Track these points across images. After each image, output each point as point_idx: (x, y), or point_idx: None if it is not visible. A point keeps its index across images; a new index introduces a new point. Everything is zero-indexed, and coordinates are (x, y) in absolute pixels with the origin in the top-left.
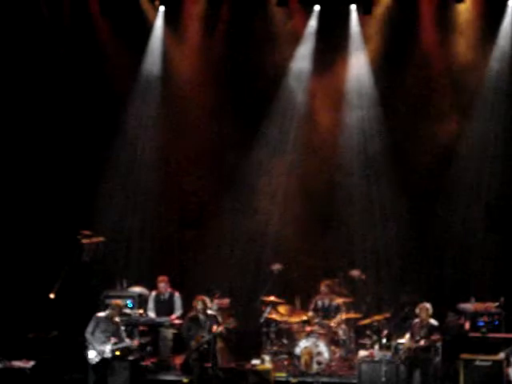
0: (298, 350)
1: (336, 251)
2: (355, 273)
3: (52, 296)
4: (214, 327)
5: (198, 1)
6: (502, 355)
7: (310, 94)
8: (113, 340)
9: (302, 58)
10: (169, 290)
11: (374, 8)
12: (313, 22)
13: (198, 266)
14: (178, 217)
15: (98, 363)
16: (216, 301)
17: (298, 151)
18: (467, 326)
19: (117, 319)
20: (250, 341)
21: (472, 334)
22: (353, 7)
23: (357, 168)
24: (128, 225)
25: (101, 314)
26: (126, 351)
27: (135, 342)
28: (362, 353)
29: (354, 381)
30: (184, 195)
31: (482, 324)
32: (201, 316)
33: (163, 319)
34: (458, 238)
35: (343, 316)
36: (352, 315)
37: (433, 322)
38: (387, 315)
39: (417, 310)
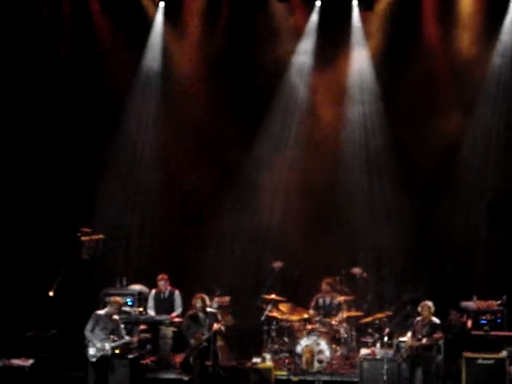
0: (299, 349)
1: (337, 249)
2: (357, 270)
3: (51, 294)
4: (214, 325)
5: None
6: (504, 353)
7: (311, 89)
8: (112, 338)
9: (304, 53)
10: (169, 288)
11: (375, 4)
12: (314, 18)
13: (199, 264)
14: (178, 215)
15: (97, 360)
16: (216, 299)
17: (300, 147)
18: (469, 324)
19: (116, 317)
20: (251, 339)
21: (474, 332)
22: (354, 3)
23: (358, 164)
24: (128, 222)
25: (100, 312)
26: (126, 348)
27: (135, 339)
28: (364, 351)
29: (356, 379)
30: (184, 193)
31: (484, 322)
32: (200, 314)
33: (163, 317)
34: (461, 236)
35: (344, 314)
36: (353, 313)
37: (435, 320)
38: (389, 313)
39: (419, 308)
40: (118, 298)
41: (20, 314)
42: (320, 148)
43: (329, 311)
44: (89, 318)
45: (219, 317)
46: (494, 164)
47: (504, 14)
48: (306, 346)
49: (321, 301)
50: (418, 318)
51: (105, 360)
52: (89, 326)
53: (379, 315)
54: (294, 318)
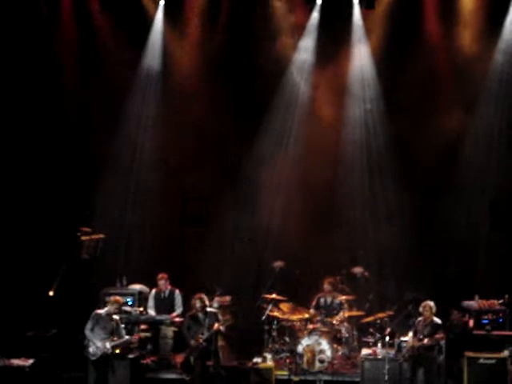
0: (300, 348)
1: (338, 248)
2: (358, 270)
3: (51, 294)
4: (215, 325)
5: None
6: (506, 353)
7: (312, 87)
8: (112, 338)
9: (304, 51)
10: (169, 287)
11: (376, 2)
12: (315, 16)
13: (199, 263)
14: (178, 214)
15: (98, 359)
16: (217, 298)
17: (300, 146)
18: (471, 323)
19: (116, 316)
20: (252, 339)
21: (476, 332)
22: (355, 0)
23: (359, 162)
24: (128, 222)
25: (100, 311)
26: (127, 348)
27: (135, 337)
28: (365, 351)
29: (357, 379)
30: (184, 193)
31: (486, 322)
32: (200, 314)
33: (163, 317)
34: (462, 235)
35: (346, 314)
36: (354, 313)
37: (436, 320)
38: (390, 313)
39: (420, 308)
40: (118, 298)
41: (20, 314)
42: (320, 147)
43: (330, 311)
44: (89, 317)
45: (220, 317)
46: (495, 162)
47: (506, 11)
48: (307, 345)
49: (322, 300)
50: (420, 318)
51: (105, 359)
52: (89, 326)
53: (381, 315)
54: (295, 317)
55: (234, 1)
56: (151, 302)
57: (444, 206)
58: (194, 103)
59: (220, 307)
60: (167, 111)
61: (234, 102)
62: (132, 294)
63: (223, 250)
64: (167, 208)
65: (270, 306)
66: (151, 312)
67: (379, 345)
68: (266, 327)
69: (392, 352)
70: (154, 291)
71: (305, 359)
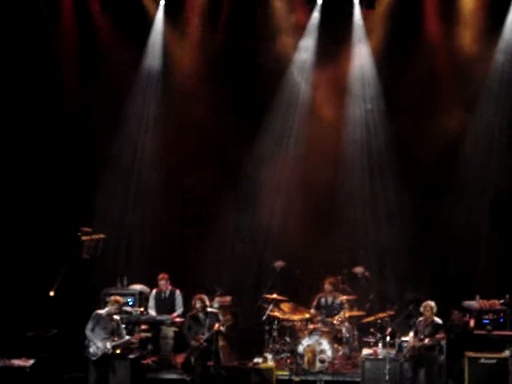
0: (300, 348)
1: (339, 248)
2: (359, 270)
3: (52, 294)
4: (215, 325)
5: None
6: (507, 353)
7: (312, 87)
8: (113, 338)
9: (305, 51)
10: (169, 287)
11: (376, 2)
12: (315, 15)
13: (199, 263)
14: (178, 214)
15: (98, 359)
16: (217, 299)
17: (301, 145)
18: (472, 323)
19: (117, 317)
20: (253, 339)
21: (477, 332)
22: (356, 0)
23: (360, 162)
24: (128, 222)
25: (101, 312)
26: (127, 348)
27: (136, 337)
28: (366, 351)
29: (358, 379)
30: (184, 193)
31: (487, 322)
32: (200, 314)
33: (164, 317)
34: (463, 234)
35: (346, 313)
36: (355, 313)
37: (437, 320)
38: (391, 313)
39: (421, 308)
40: (118, 298)
41: (20, 314)
42: (321, 146)
43: (331, 311)
44: (89, 318)
45: (220, 317)
46: (496, 161)
47: (506, 10)
48: (308, 345)
49: (323, 300)
50: (421, 318)
51: (106, 359)
52: (89, 326)
53: (381, 315)
54: (296, 317)
55: (235, 0)
56: (152, 303)
57: (444, 206)
58: (194, 103)
59: (220, 307)
60: (168, 111)
61: (234, 101)
62: (132, 294)
63: (224, 250)
64: (167, 208)
65: (270, 306)
66: (152, 312)
67: (380, 345)
68: (267, 327)
69: (393, 352)
70: (154, 291)
71: (305, 359)
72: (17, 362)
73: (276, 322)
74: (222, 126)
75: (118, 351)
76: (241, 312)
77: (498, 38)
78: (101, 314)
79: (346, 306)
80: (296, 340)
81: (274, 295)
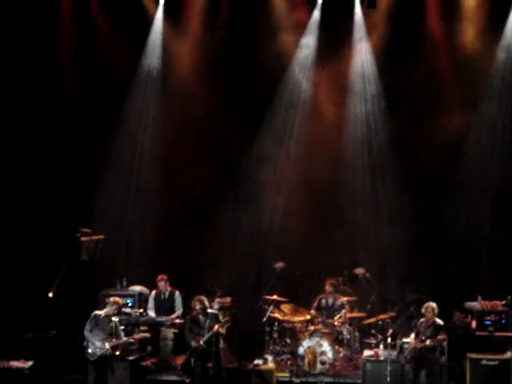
0: (301, 350)
1: (339, 249)
2: (360, 271)
3: (51, 295)
4: (215, 326)
5: None
6: (508, 354)
7: (313, 86)
8: (111, 339)
9: (306, 49)
10: (169, 288)
11: (378, 1)
12: (316, 14)
13: (199, 264)
14: (178, 215)
15: (97, 360)
16: (217, 300)
17: (302, 143)
18: (474, 324)
19: (115, 318)
20: (253, 340)
21: (479, 333)
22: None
23: (361, 161)
24: (128, 223)
25: (99, 313)
26: (127, 350)
27: (135, 337)
28: (367, 352)
29: (359, 381)
30: (184, 193)
31: (488, 323)
32: (200, 316)
33: (163, 318)
34: (464, 235)
35: (346, 314)
36: (356, 314)
37: (439, 321)
38: (392, 314)
39: (422, 309)
40: (117, 299)
41: (19, 316)
42: (322, 144)
43: (331, 312)
44: (88, 319)
45: (221, 318)
46: (498, 161)
47: (508, 8)
48: (309, 347)
49: (323, 301)
50: (422, 319)
51: (104, 359)
52: (88, 327)
53: (382, 316)
54: (296, 318)
55: None
56: (151, 304)
57: (445, 206)
58: (194, 102)
59: (220, 308)
60: (167, 111)
61: (234, 101)
62: (132, 296)
63: (224, 250)
64: (167, 208)
65: (270, 308)
66: (151, 313)
67: (381, 346)
68: (267, 329)
69: (394, 353)
70: (153, 292)
71: (306, 361)
72: (15, 364)
73: (276, 324)
74: (222, 124)
75: (117, 353)
76: (241, 313)
77: (500, 35)
78: (99, 315)
79: (347, 307)
80: (296, 341)
81: (275, 296)
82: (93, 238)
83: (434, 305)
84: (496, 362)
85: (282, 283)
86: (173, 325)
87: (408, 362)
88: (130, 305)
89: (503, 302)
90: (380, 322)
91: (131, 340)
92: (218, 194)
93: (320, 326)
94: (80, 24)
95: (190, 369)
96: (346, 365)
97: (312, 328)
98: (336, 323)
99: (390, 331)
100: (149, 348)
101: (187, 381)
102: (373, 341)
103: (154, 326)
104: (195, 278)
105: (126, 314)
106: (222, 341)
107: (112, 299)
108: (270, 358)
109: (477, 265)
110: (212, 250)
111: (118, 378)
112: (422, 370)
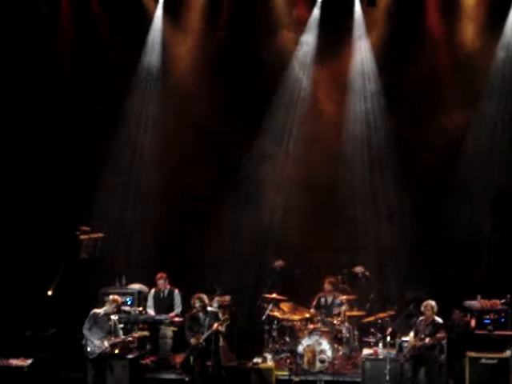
0: (300, 348)
1: (339, 247)
2: (359, 269)
3: (50, 293)
4: (215, 324)
5: None
6: (508, 353)
7: (313, 84)
8: (109, 338)
9: (306, 46)
10: (168, 287)
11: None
12: (316, 12)
13: (199, 263)
14: (178, 214)
15: (96, 358)
16: (217, 298)
17: (302, 142)
18: (473, 323)
19: (114, 316)
20: (252, 339)
21: (478, 332)
22: None
23: (361, 160)
24: (128, 222)
25: (98, 311)
26: (126, 348)
27: (134, 335)
28: (366, 351)
29: (358, 379)
30: (184, 192)
31: (488, 321)
32: (200, 314)
33: (163, 317)
34: (464, 234)
35: (345, 312)
36: (355, 313)
37: (438, 319)
38: (391, 313)
39: (422, 308)
40: (116, 297)
41: (19, 314)
42: (322, 142)
43: (331, 311)
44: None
45: (220, 316)
46: (498, 159)
47: (508, 5)
48: (308, 345)
49: (323, 300)
50: (421, 318)
51: (103, 358)
52: (87, 325)
53: (382, 314)
54: (296, 317)
55: None
56: (150, 302)
57: (445, 205)
58: (194, 101)
59: (220, 307)
60: (167, 110)
61: (234, 99)
62: (131, 294)
63: (223, 249)
64: (167, 208)
65: (270, 306)
66: (150, 312)
67: (380, 345)
68: (267, 327)
69: (393, 352)
70: (153, 291)
71: (305, 359)
72: (15, 362)
73: (276, 322)
74: (222, 123)
75: (116, 351)
76: (240, 311)
77: (499, 33)
78: (98, 314)
79: (346, 305)
80: (296, 340)
81: (274, 295)
82: (92, 236)
83: (433, 303)
84: (495, 361)
85: (282, 282)
86: (172, 323)
87: (407, 361)
88: (129, 303)
89: (503, 301)
90: (379, 321)
91: (130, 338)
92: (217, 194)
93: (319, 325)
94: (80, 24)
95: (189, 367)
96: (345, 363)
97: (311, 326)
98: (335, 322)
99: (390, 329)
100: (148, 346)
101: (186, 379)
102: (372, 339)
103: (154, 325)
104: (195, 277)
105: (125, 312)
106: (221, 339)
107: (111, 297)
108: (269, 356)
109: (476, 264)
110: (212, 248)
111: (117, 376)
112: (421, 369)
